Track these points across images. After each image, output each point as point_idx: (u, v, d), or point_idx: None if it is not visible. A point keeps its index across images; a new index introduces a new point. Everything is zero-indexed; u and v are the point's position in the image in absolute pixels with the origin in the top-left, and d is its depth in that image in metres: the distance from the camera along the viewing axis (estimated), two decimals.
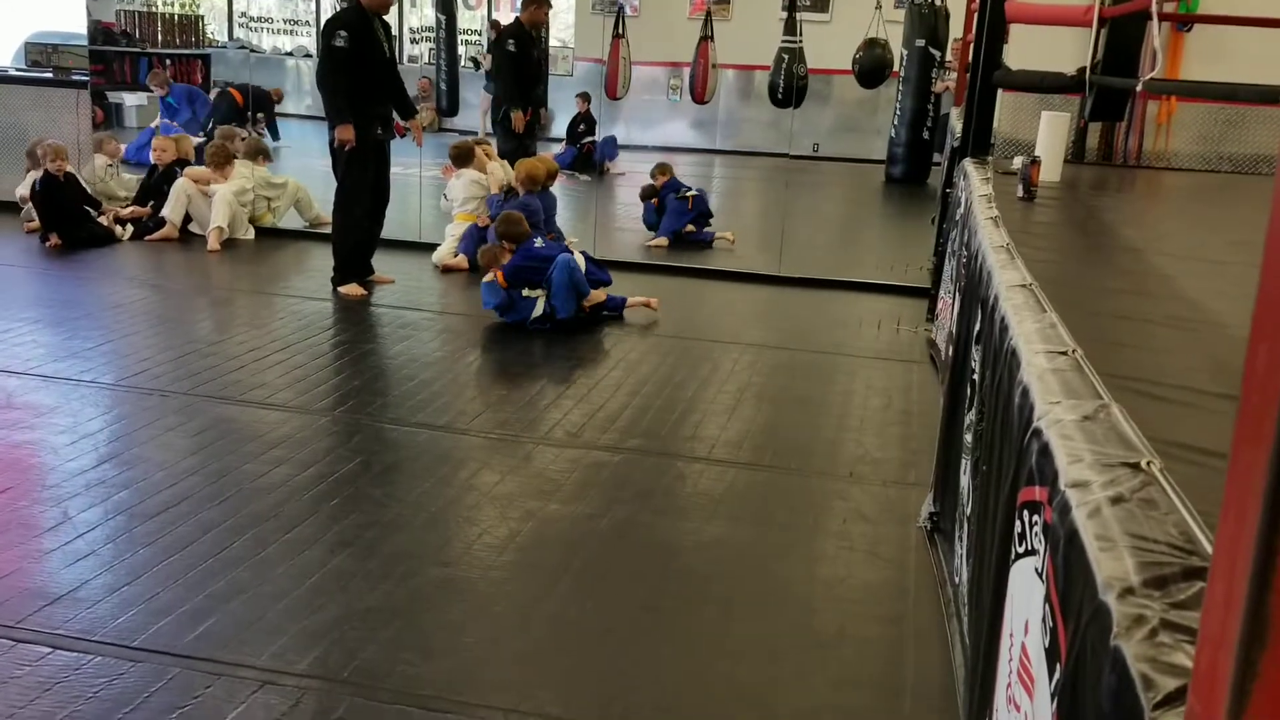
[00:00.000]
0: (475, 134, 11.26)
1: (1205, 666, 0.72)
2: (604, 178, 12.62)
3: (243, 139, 9.23)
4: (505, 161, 8.25)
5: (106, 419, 4.44)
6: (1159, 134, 7.62)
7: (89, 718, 2.49)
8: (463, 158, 7.97)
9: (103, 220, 7.90)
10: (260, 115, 12.97)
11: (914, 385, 5.38)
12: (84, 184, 7.99)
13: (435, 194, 8.22)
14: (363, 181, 6.63)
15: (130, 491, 3.72)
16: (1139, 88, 4.12)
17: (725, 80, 14.53)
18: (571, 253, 6.18)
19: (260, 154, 8.78)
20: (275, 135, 13.17)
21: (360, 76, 6.43)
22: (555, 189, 8.13)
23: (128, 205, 8.33)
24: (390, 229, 7.21)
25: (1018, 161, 4.78)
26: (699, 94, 13.64)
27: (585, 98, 13.32)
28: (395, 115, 6.87)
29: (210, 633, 2.86)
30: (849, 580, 3.37)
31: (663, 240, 8.74)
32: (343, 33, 6.39)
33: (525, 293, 5.96)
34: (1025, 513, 1.56)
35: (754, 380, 5.37)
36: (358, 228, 6.69)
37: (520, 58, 8.68)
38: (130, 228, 8.01)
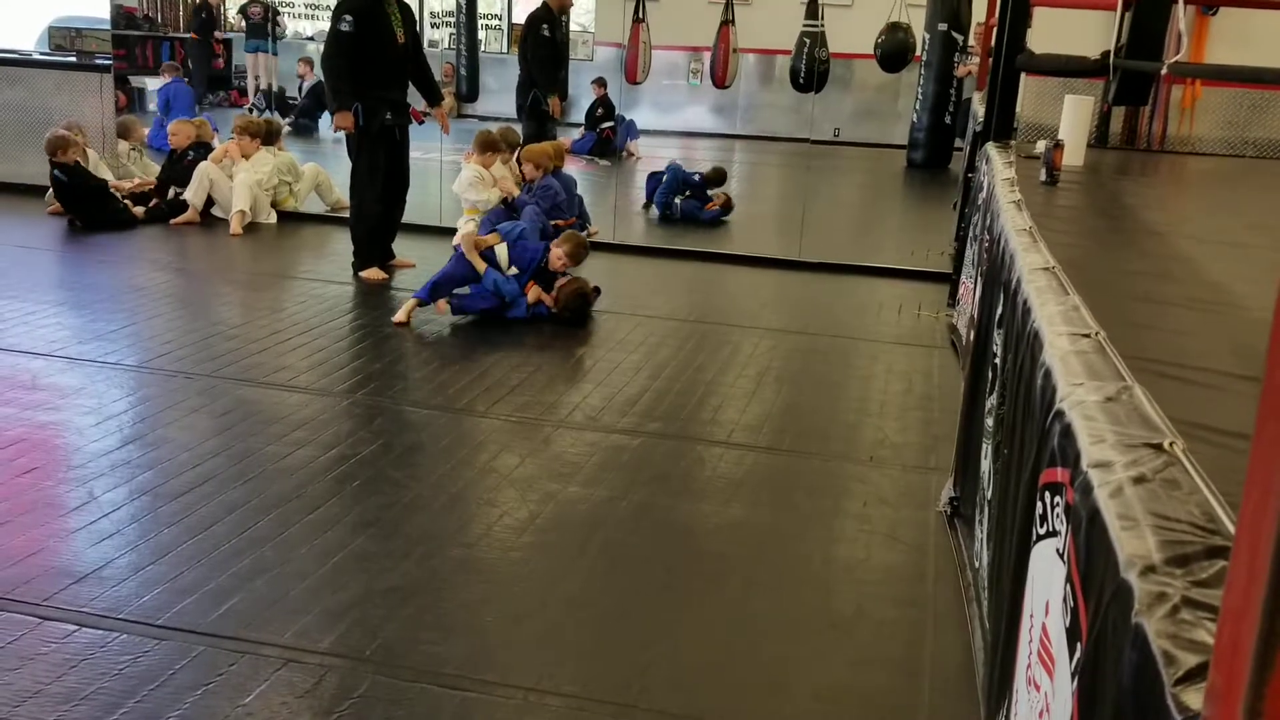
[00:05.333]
0: (497, 120, 11.25)
1: (1227, 640, 0.72)
2: (625, 161, 12.61)
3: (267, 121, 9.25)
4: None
5: (130, 400, 4.47)
6: (1183, 118, 7.57)
7: (114, 695, 2.52)
8: (480, 147, 7.92)
9: (121, 187, 7.95)
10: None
11: (935, 370, 5.37)
12: (89, 169, 7.98)
13: (455, 179, 8.24)
14: (375, 167, 6.63)
15: (154, 472, 3.75)
16: (1164, 71, 4.09)
17: (746, 65, 14.49)
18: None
19: (276, 136, 8.80)
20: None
21: (369, 62, 6.41)
22: (576, 174, 8.14)
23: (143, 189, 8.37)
24: (410, 213, 7.22)
25: (1041, 145, 4.75)
26: (719, 79, 13.61)
27: (601, 83, 13.32)
28: (422, 100, 6.88)
29: (234, 611, 2.89)
30: (868, 563, 3.37)
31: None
32: (348, 17, 6.36)
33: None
34: (1047, 494, 1.56)
35: (774, 364, 5.37)
36: (371, 213, 6.70)
37: (553, 42, 8.65)
38: (141, 208, 8.04)
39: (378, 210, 6.73)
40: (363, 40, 6.39)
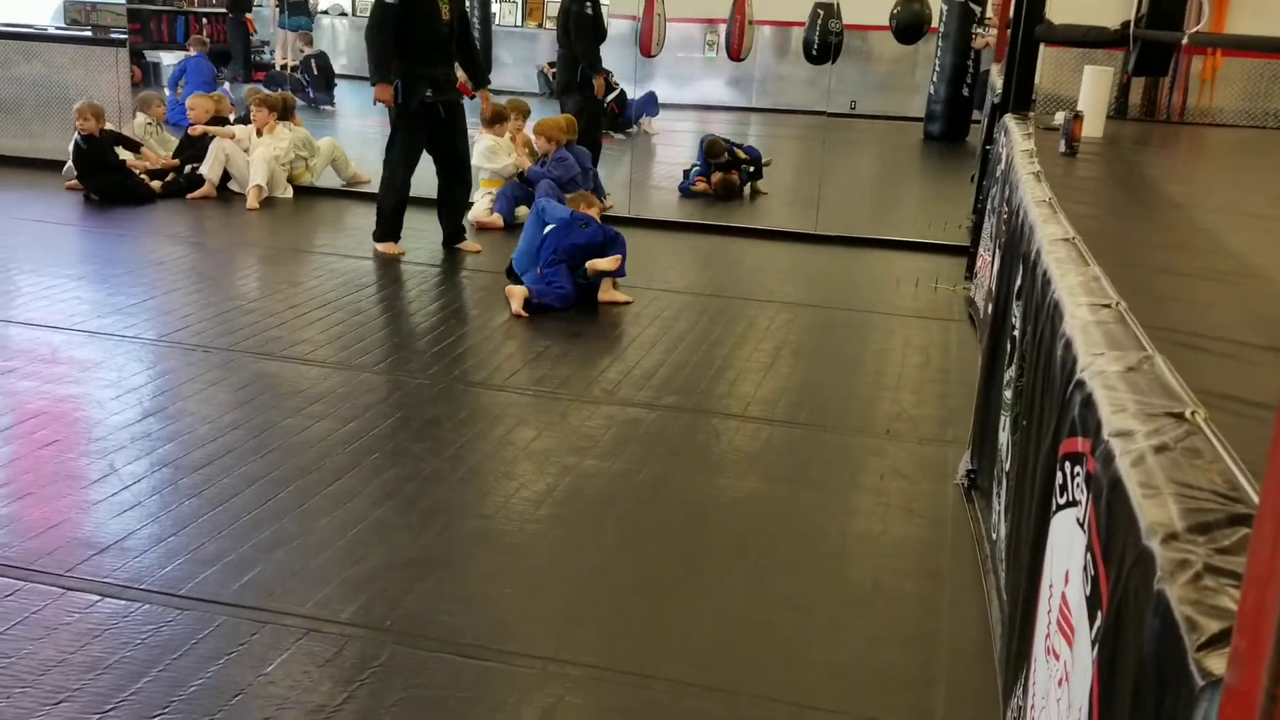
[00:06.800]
0: (511, 93, 11.21)
1: (1251, 606, 0.72)
2: (642, 135, 12.57)
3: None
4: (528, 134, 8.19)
5: (150, 374, 4.50)
6: (1204, 89, 7.49)
7: (137, 664, 2.54)
8: (488, 121, 7.90)
9: (138, 169, 7.99)
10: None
11: (952, 343, 5.36)
12: (121, 133, 8.06)
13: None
14: (411, 144, 6.60)
15: (175, 444, 3.78)
16: (1184, 41, 4.06)
17: (762, 37, 14.39)
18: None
19: (293, 111, 8.81)
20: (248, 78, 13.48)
21: (410, 37, 6.38)
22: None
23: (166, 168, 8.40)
24: (424, 187, 7.19)
25: (1060, 117, 4.72)
26: (735, 51, 13.51)
27: None
28: (465, 79, 6.87)
29: (255, 582, 2.91)
30: (885, 536, 3.38)
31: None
32: None
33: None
34: (1067, 464, 1.56)
35: (790, 338, 5.36)
36: (398, 189, 6.67)
37: (596, 20, 8.51)
38: (158, 182, 8.07)
39: (406, 185, 6.69)
40: (406, 15, 6.36)
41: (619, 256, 5.69)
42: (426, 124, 6.58)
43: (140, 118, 8.88)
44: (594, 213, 6.07)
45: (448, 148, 6.76)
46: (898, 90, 14.63)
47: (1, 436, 3.80)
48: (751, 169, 9.15)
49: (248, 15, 14.33)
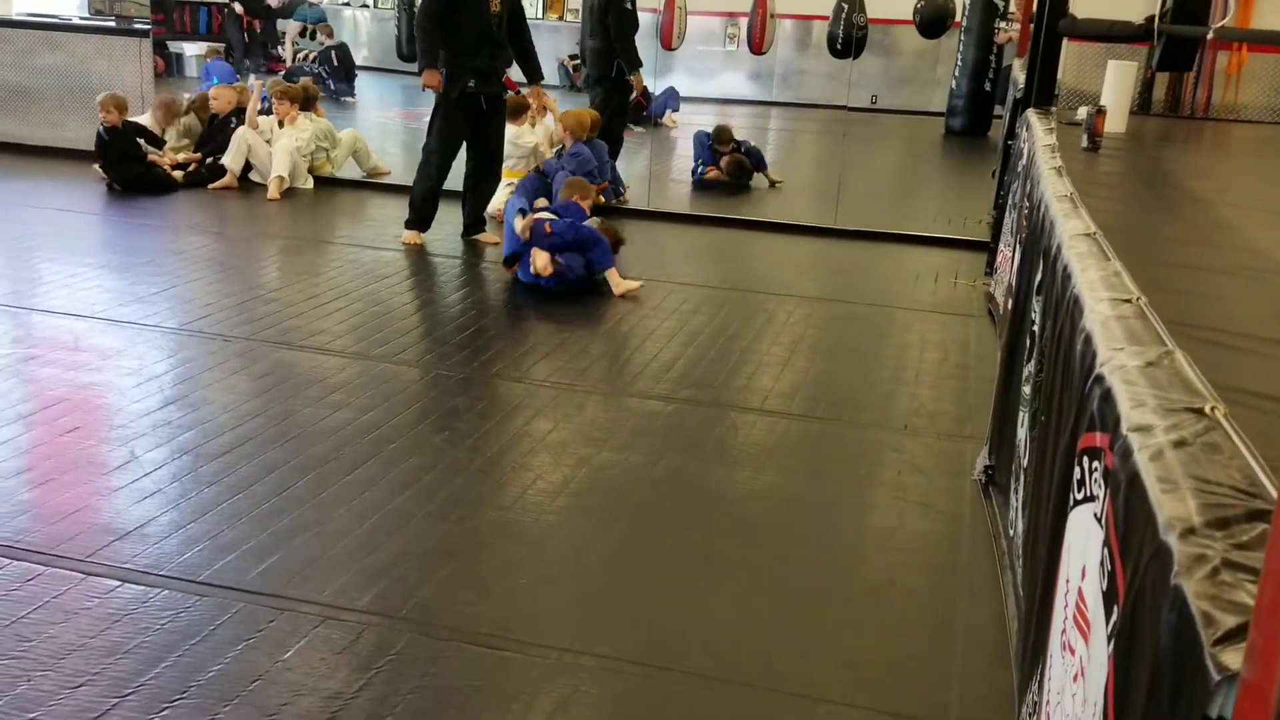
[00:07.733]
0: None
1: (1268, 601, 0.72)
2: (659, 129, 12.56)
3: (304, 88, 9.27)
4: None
5: (171, 362, 4.53)
6: (1229, 85, 7.45)
7: (156, 649, 2.56)
8: (511, 113, 7.91)
9: (162, 162, 8.03)
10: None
11: (971, 339, 5.34)
12: (145, 126, 8.11)
13: None
14: (449, 133, 6.62)
15: (194, 432, 3.80)
16: (1209, 36, 4.03)
17: (783, 30, 14.34)
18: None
19: (314, 102, 8.83)
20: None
21: (457, 27, 6.38)
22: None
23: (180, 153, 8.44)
24: (448, 179, 7.19)
25: (1082, 112, 4.69)
26: (757, 45, 13.48)
27: None
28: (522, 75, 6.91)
29: (273, 569, 2.93)
30: (901, 531, 3.37)
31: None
32: None
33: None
34: (1085, 459, 1.55)
35: (808, 332, 5.35)
36: (430, 177, 6.69)
37: (633, 14, 8.45)
38: (180, 172, 8.11)
39: (440, 174, 6.68)
40: (453, 4, 6.36)
41: (550, 264, 5.60)
42: (468, 115, 6.59)
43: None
44: (586, 204, 6.10)
45: (483, 140, 6.77)
46: (919, 85, 14.57)
47: (24, 423, 3.84)
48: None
49: (241, 12, 14.38)
